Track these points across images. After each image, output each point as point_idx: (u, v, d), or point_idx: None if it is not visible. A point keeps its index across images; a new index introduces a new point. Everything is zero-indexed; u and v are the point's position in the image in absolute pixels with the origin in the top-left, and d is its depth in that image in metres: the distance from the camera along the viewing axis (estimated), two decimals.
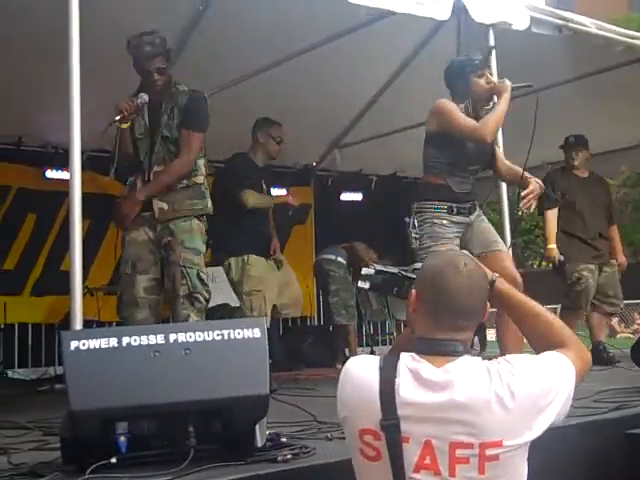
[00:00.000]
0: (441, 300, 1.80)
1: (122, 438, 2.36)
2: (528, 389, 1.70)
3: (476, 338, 7.05)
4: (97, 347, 2.41)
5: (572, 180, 6.18)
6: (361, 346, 7.89)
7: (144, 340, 2.45)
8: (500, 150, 4.29)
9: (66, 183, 7.06)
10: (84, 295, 6.58)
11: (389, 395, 1.72)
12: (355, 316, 7.28)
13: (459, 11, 4.12)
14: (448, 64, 4.10)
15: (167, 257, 4.06)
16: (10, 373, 6.66)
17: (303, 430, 3.05)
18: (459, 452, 1.68)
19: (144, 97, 4.05)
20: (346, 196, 8.70)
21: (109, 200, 7.34)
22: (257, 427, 2.49)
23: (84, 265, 6.73)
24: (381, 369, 1.77)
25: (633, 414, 3.27)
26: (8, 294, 6.88)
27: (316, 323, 8.50)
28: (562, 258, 5.93)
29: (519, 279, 3.87)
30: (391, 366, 1.77)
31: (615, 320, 17.03)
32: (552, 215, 6.03)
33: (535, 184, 4.00)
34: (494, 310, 4.19)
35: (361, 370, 1.82)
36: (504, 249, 4.02)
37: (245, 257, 5.29)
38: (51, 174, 7.11)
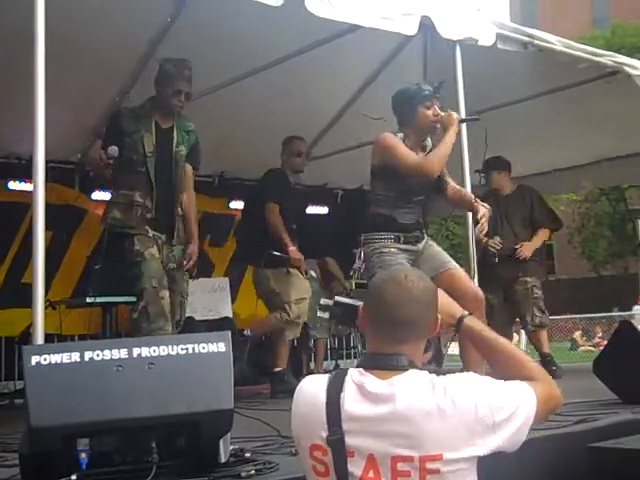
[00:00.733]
0: (380, 311, 1.84)
1: (83, 454, 2.32)
2: (473, 404, 1.70)
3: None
4: (59, 362, 2.38)
5: (494, 203, 6.21)
6: (326, 359, 7.88)
7: (107, 355, 2.42)
8: (448, 177, 4.26)
9: (29, 194, 6.99)
10: (46, 308, 6.54)
11: (334, 410, 1.75)
12: (329, 330, 7.33)
13: (426, 27, 4.14)
14: (396, 92, 4.11)
15: (171, 284, 4.32)
16: None
17: (267, 445, 3.03)
18: (400, 465, 1.69)
19: (114, 150, 4.11)
20: (312, 209, 8.68)
21: (73, 212, 7.36)
22: (221, 442, 2.47)
23: (46, 278, 6.66)
24: (329, 385, 1.80)
25: (595, 427, 3.29)
26: None
27: None
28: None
29: (480, 294, 3.92)
30: (338, 381, 1.80)
31: (577, 333, 17.24)
32: None
33: (483, 209, 4.04)
34: None
35: (310, 387, 1.86)
36: (457, 267, 4.03)
37: (285, 270, 5.53)
38: (14, 185, 7.00)
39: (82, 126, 6.81)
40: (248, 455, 2.64)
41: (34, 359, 2.37)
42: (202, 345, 2.47)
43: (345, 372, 1.82)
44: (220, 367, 2.46)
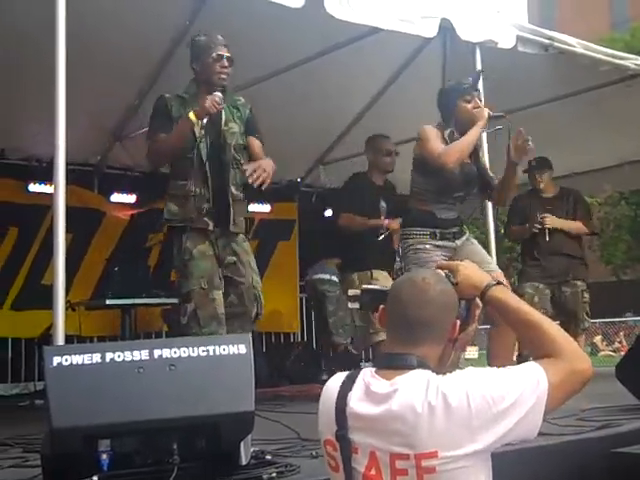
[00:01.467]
0: (396, 312, 1.84)
1: (104, 456, 2.31)
2: (465, 399, 1.67)
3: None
4: (80, 363, 2.37)
5: (536, 201, 6.21)
6: None
7: (128, 356, 2.42)
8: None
9: (49, 197, 7.07)
10: (66, 310, 6.58)
11: (342, 407, 1.79)
12: (352, 334, 7.33)
13: (446, 29, 4.13)
14: (439, 91, 4.15)
15: (234, 277, 3.97)
16: None
17: (287, 448, 3.02)
18: (398, 463, 1.71)
19: (219, 95, 3.82)
20: (330, 212, 8.68)
21: (92, 214, 7.40)
22: (242, 444, 2.46)
23: (66, 280, 6.69)
24: (342, 383, 1.84)
25: (618, 433, 3.25)
26: None
27: (299, 339, 8.46)
28: None
29: None
30: (350, 380, 1.83)
31: (598, 338, 17.12)
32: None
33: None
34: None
35: (331, 384, 1.89)
36: (495, 269, 4.01)
37: (369, 272, 5.28)
38: (34, 187, 7.05)
39: (101, 128, 6.85)
40: (269, 457, 2.63)
41: (55, 360, 2.36)
42: (223, 347, 2.47)
43: (359, 372, 1.85)
44: (241, 369, 2.45)
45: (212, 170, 3.92)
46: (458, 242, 4.07)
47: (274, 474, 2.41)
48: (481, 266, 3.87)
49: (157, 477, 2.31)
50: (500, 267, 4.27)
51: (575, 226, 6.21)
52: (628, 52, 6.92)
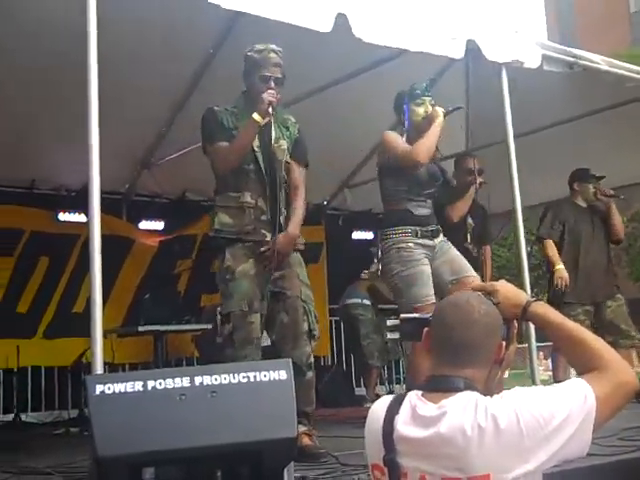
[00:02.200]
0: (441, 334, 1.85)
1: None
2: (515, 420, 1.67)
3: None
4: (122, 391, 2.38)
5: (575, 210, 6.08)
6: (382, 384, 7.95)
7: (169, 383, 2.42)
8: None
9: (78, 226, 7.20)
10: None
11: (388, 431, 1.79)
12: (386, 357, 7.37)
13: (472, 50, 4.14)
14: (396, 95, 4.40)
15: (283, 291, 3.87)
16: (24, 417, 6.61)
17: (328, 473, 3.02)
18: None
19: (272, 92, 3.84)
20: (358, 235, 8.71)
21: (121, 242, 7.45)
22: (285, 471, 2.45)
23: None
24: (389, 406, 1.84)
25: None
26: (21, 337, 6.86)
27: (330, 363, 8.46)
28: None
29: None
30: (397, 403, 1.83)
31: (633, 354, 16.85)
32: (550, 242, 5.98)
33: None
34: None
35: (375, 408, 1.90)
36: (474, 274, 4.17)
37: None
38: (63, 217, 7.15)
39: (129, 157, 6.94)
40: None
41: (98, 388, 2.37)
42: (263, 373, 2.46)
43: (405, 395, 1.85)
44: (282, 395, 2.44)
45: (269, 182, 3.89)
46: (436, 240, 4.19)
47: None
48: (463, 272, 4.09)
49: None
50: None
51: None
52: None
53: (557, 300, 5.55)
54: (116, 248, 7.09)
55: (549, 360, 8.74)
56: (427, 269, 4.05)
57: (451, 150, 7.05)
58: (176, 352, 6.96)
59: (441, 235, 4.24)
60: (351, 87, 6.13)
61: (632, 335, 5.99)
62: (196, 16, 5.13)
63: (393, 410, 1.81)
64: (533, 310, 1.92)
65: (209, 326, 6.58)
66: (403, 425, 1.77)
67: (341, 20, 3.72)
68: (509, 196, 7.69)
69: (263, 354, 3.89)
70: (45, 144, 6.33)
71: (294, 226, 3.87)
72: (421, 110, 4.23)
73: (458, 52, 4.10)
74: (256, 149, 3.87)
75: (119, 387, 2.39)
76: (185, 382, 2.43)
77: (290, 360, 2.61)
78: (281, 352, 3.84)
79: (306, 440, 3.73)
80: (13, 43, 5.02)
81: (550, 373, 6.72)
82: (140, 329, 6.12)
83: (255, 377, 2.46)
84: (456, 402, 1.73)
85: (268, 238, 3.84)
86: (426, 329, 1.91)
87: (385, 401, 1.88)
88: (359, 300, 7.29)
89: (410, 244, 4.05)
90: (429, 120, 4.16)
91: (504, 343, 1.86)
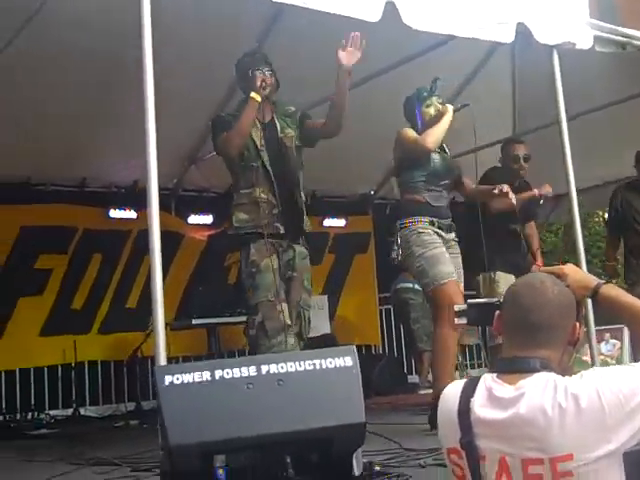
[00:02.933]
0: (515, 316, 1.82)
1: (221, 471, 2.35)
2: (597, 399, 1.65)
3: None
4: (190, 381, 2.42)
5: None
6: None
7: (237, 373, 2.45)
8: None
9: (129, 222, 7.28)
10: (151, 332, 6.72)
11: (465, 414, 1.77)
12: None
13: (522, 33, 4.10)
14: (405, 101, 4.61)
15: (287, 294, 4.06)
16: (82, 411, 6.73)
17: (393, 458, 3.03)
18: (531, 469, 1.67)
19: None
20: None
21: (171, 237, 7.52)
22: (354, 456, 2.47)
23: (149, 303, 6.79)
24: (463, 389, 1.82)
25: None
26: (77, 333, 6.98)
27: (381, 351, 8.47)
28: None
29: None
30: (472, 386, 1.81)
31: None
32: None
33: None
34: None
35: (449, 392, 1.87)
36: (460, 281, 4.30)
37: (492, 274, 5.21)
38: (114, 213, 7.24)
39: (178, 153, 7.00)
40: (378, 469, 2.64)
41: (167, 379, 2.41)
42: (329, 360, 2.48)
43: (479, 378, 1.83)
44: (348, 381, 2.46)
45: (277, 177, 4.05)
46: (448, 236, 4.32)
47: None
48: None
49: None
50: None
51: None
52: None
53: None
54: (167, 243, 7.03)
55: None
56: (446, 253, 4.22)
57: (498, 136, 7.01)
58: (228, 344, 7.02)
59: (454, 233, 4.38)
60: (397, 75, 6.10)
61: None
62: (242, 10, 5.17)
63: (468, 393, 1.79)
64: (605, 292, 1.91)
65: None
66: (480, 407, 1.75)
67: (390, 8, 3.69)
68: (556, 181, 7.63)
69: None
70: (95, 143, 6.42)
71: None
72: (431, 110, 4.43)
73: (508, 36, 4.06)
74: (260, 148, 4.05)
75: (187, 377, 2.43)
76: (252, 371, 2.46)
77: (354, 347, 2.64)
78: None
79: None
80: (68, 45, 5.11)
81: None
82: (194, 322, 6.19)
83: (321, 364, 2.48)
84: (534, 383, 1.72)
85: (282, 231, 4.02)
86: (497, 312, 1.91)
87: (458, 385, 1.87)
88: (410, 285, 7.31)
89: (429, 230, 4.22)
90: (439, 116, 4.37)
91: (578, 324, 1.85)
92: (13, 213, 6.79)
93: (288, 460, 2.38)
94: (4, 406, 6.58)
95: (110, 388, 7.09)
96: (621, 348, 11.18)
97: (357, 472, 2.47)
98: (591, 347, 4.38)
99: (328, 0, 3.65)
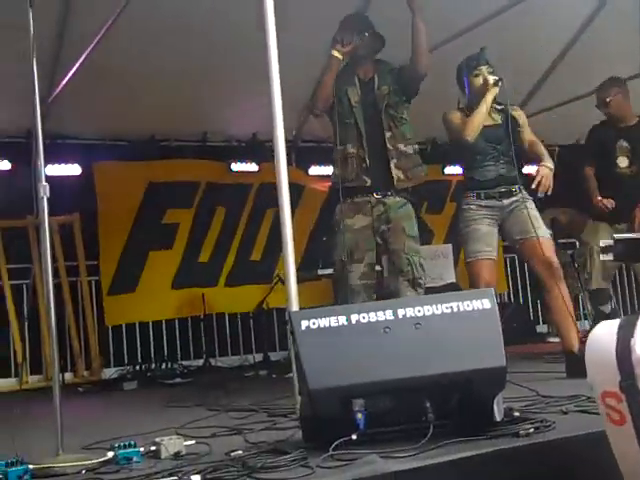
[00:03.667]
0: None
1: (359, 415, 2.34)
2: None
3: None
4: (327, 326, 2.41)
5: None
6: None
7: (372, 317, 2.43)
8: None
9: (250, 175, 7.36)
10: (276, 284, 6.80)
11: (625, 355, 1.68)
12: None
13: None
14: (456, 69, 4.59)
15: (387, 245, 4.21)
16: (213, 361, 6.91)
17: (531, 405, 2.94)
18: None
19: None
20: (528, 168, 8.40)
21: (293, 189, 7.47)
22: (495, 401, 2.41)
23: (273, 255, 6.88)
24: (619, 330, 1.73)
25: None
26: (205, 286, 7.15)
27: (507, 300, 8.31)
28: None
29: (555, 264, 4.18)
30: (629, 326, 1.72)
31: None
32: None
33: (543, 168, 4.27)
34: None
35: (601, 333, 1.80)
36: (541, 234, 4.24)
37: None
38: (236, 167, 7.34)
39: (294, 104, 6.95)
40: (517, 414, 2.56)
41: (304, 324, 2.41)
42: (466, 302, 2.43)
43: (636, 317, 1.73)
44: (488, 324, 2.40)
45: (368, 132, 4.21)
46: (505, 201, 4.32)
47: (531, 430, 2.34)
48: (528, 232, 4.17)
49: (412, 434, 2.30)
50: None
51: None
52: None
53: None
54: (289, 195, 7.20)
55: None
56: (484, 228, 4.30)
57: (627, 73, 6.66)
58: None
59: (517, 196, 4.32)
60: (517, 15, 5.87)
61: None
62: None
63: (626, 333, 1.70)
64: None
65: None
66: None
67: None
68: None
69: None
70: (215, 97, 6.47)
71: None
72: (480, 80, 4.41)
73: None
74: (354, 104, 4.25)
75: (324, 322, 2.42)
76: (388, 315, 2.43)
77: (493, 289, 2.56)
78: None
79: None
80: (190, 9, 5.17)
81: None
82: (319, 272, 6.22)
83: (459, 307, 2.43)
84: None
85: (368, 184, 4.16)
86: None
87: (609, 327, 1.77)
88: None
89: (472, 206, 4.34)
90: (483, 90, 4.35)
91: None
92: (141, 169, 6.99)
93: (427, 404, 2.35)
94: (140, 356, 6.84)
95: (238, 340, 7.27)
96: None
97: (498, 417, 2.42)
98: None
99: None
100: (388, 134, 4.19)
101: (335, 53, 4.24)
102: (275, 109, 3.40)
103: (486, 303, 2.43)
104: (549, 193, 4.23)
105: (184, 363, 6.84)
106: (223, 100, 6.57)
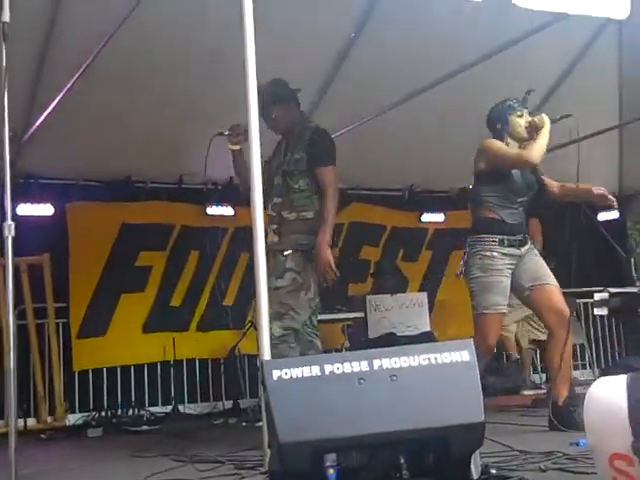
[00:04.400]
0: None
1: (331, 470, 2.23)
2: None
3: None
4: (300, 376, 2.32)
5: None
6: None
7: (347, 368, 2.34)
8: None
9: (226, 218, 7.25)
10: (247, 330, 6.69)
11: (638, 414, 1.58)
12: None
13: (638, 8, 3.84)
14: (489, 111, 4.43)
15: None
16: (182, 408, 6.75)
17: (507, 462, 2.86)
18: None
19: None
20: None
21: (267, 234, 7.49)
22: (472, 458, 2.32)
23: (246, 300, 6.76)
24: (629, 389, 1.63)
25: None
26: (176, 330, 7.02)
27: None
28: None
29: (565, 312, 4.11)
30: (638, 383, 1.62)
31: None
32: None
33: (602, 189, 4.27)
34: None
35: (606, 391, 1.70)
36: (553, 282, 4.20)
37: None
38: (211, 210, 7.26)
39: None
40: (494, 472, 2.48)
41: (275, 373, 2.32)
42: (445, 354, 2.34)
43: None
44: (467, 377, 2.31)
45: (270, 195, 4.24)
46: (523, 250, 4.20)
47: None
48: (542, 279, 4.10)
49: None
50: None
51: None
52: None
53: None
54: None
55: None
56: (506, 280, 4.16)
57: (603, 125, 6.71)
58: (327, 342, 6.92)
59: (529, 244, 4.26)
60: (494, 65, 5.87)
61: None
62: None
63: (637, 391, 1.61)
64: None
65: (361, 314, 6.56)
66: None
67: None
68: None
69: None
70: (191, 140, 6.42)
71: (324, 235, 4.10)
72: (522, 121, 4.24)
73: (623, 12, 3.81)
74: (272, 170, 4.30)
75: (296, 372, 2.33)
76: (364, 366, 2.34)
77: (472, 340, 2.49)
78: None
79: None
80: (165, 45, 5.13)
81: None
82: None
83: (436, 359, 2.35)
84: None
85: (276, 240, 4.20)
86: None
87: (615, 383, 1.67)
88: None
89: (495, 253, 4.14)
90: (534, 129, 4.16)
91: None
92: (115, 210, 6.89)
93: (402, 461, 2.26)
94: (106, 402, 6.66)
95: (208, 386, 7.10)
96: None
97: (475, 475, 2.32)
98: None
99: None
100: (277, 200, 4.23)
101: (229, 146, 4.29)
102: (253, 153, 3.34)
103: (465, 355, 2.35)
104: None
105: (151, 409, 6.66)
106: (199, 143, 6.51)
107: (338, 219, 7.53)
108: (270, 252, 4.13)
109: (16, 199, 5.04)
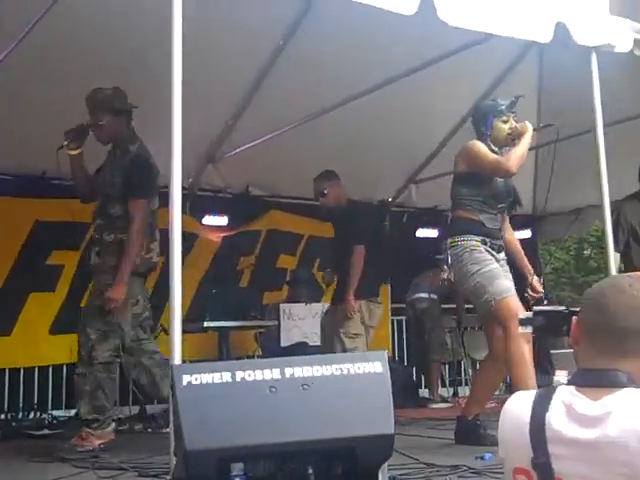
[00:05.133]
0: (599, 322, 1.63)
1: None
2: None
3: None
4: (210, 382, 2.26)
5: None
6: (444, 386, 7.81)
7: (259, 375, 2.29)
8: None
9: None
10: (159, 334, 6.55)
11: (539, 431, 1.57)
12: (448, 353, 7.56)
13: (560, 34, 3.93)
14: (474, 106, 4.58)
15: None
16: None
17: (413, 474, 2.86)
18: None
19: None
20: (422, 232, 8.52)
21: (184, 237, 7.25)
22: (380, 470, 2.30)
23: (159, 304, 6.64)
24: (534, 403, 1.62)
25: None
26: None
27: (391, 362, 8.30)
28: None
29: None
30: (545, 400, 1.61)
31: None
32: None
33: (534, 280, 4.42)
34: None
35: (515, 406, 1.68)
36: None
37: None
38: None
39: (194, 151, 6.84)
40: None
41: (185, 378, 2.25)
42: (358, 365, 2.32)
43: (553, 390, 1.63)
44: (378, 388, 2.30)
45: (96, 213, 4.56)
46: (501, 256, 4.22)
47: None
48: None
49: None
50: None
51: None
52: None
53: None
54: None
55: None
56: (501, 268, 4.14)
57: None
58: (240, 350, 6.86)
59: (503, 253, 4.27)
60: (419, 81, 5.95)
61: None
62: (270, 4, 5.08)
63: (542, 407, 1.59)
64: None
65: (274, 323, 6.52)
66: (558, 424, 1.56)
67: (425, 2, 3.53)
68: (576, 195, 7.44)
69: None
70: None
71: (123, 275, 4.32)
72: (506, 127, 4.23)
73: (546, 36, 3.90)
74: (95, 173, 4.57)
75: (207, 378, 2.27)
76: (275, 374, 2.30)
77: (386, 352, 2.48)
78: None
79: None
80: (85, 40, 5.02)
81: None
82: (206, 325, 6.03)
83: (349, 369, 2.32)
84: (622, 400, 1.52)
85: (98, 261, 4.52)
86: (575, 318, 1.70)
87: (525, 398, 1.66)
88: (426, 295, 7.39)
89: (481, 247, 4.10)
90: (516, 135, 4.17)
91: None
92: (28, 206, 6.66)
93: (310, 471, 2.22)
94: (6, 405, 6.41)
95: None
96: None
97: None
98: None
99: None
100: (99, 221, 4.41)
101: (69, 152, 4.46)
102: (174, 155, 3.29)
103: (378, 367, 2.33)
104: None
105: (54, 413, 6.44)
106: None
107: (256, 226, 7.62)
108: (93, 273, 4.45)
109: None
